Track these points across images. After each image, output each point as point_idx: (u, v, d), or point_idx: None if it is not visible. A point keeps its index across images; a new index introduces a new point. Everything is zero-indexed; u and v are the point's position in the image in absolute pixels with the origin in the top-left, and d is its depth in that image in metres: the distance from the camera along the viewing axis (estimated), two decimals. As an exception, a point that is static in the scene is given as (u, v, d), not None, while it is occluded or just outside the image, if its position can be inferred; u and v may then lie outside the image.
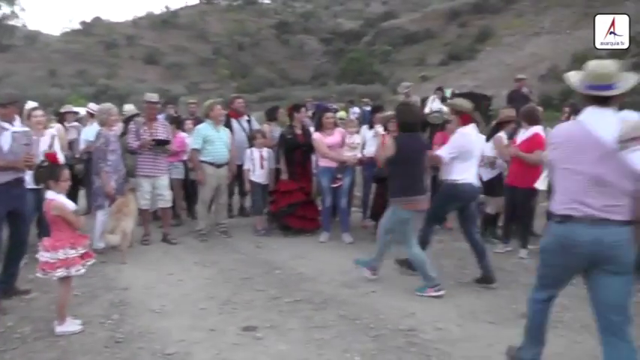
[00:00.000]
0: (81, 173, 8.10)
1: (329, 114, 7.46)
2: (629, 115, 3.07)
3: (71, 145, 8.19)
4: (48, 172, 4.26)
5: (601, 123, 3.03)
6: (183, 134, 8.15)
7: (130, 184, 6.94)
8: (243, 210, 8.90)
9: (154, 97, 7.30)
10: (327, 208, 7.31)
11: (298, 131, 7.52)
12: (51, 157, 4.43)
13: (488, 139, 6.64)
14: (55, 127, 7.20)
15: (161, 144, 6.94)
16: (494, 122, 7.48)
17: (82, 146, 8.09)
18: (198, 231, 7.33)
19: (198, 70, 58.68)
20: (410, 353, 3.89)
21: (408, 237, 5.25)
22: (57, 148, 6.22)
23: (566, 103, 8.95)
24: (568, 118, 7.14)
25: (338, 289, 5.29)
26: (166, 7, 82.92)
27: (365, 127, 7.84)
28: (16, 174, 4.85)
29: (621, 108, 3.17)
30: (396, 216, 5.27)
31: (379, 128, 6.88)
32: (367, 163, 7.44)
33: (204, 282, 5.52)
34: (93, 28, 67.57)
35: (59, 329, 4.18)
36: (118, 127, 7.37)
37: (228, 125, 8.00)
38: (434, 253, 6.74)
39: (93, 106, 8.87)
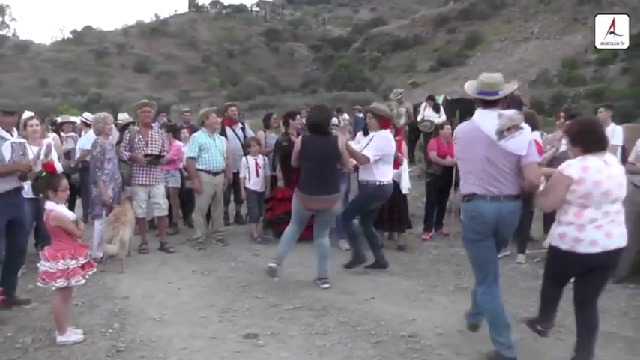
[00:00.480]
0: (77, 183, 8.08)
1: None
2: (506, 112, 3.72)
3: (68, 155, 8.18)
4: (46, 182, 4.26)
5: (487, 121, 3.71)
6: (179, 143, 8.16)
7: (127, 192, 6.93)
8: (239, 218, 8.91)
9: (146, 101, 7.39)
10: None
11: (294, 138, 7.54)
12: (49, 167, 4.42)
13: None
14: (51, 137, 7.19)
15: (154, 160, 6.93)
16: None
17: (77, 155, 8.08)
18: (196, 239, 7.34)
19: (188, 78, 58.74)
20: (412, 359, 3.91)
21: (322, 228, 5.64)
22: (54, 157, 6.20)
23: (560, 108, 9.03)
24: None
25: (337, 295, 5.30)
26: (156, 16, 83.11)
27: (360, 134, 7.87)
28: (16, 183, 4.87)
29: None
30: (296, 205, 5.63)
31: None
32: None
33: (202, 290, 5.52)
34: (83, 37, 67.58)
35: (60, 339, 4.17)
36: (114, 136, 7.38)
37: (222, 133, 8.03)
38: (431, 259, 6.80)
39: (88, 116, 8.87)
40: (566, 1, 45.44)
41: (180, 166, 8.04)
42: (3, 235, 4.76)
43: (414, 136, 12.76)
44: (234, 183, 8.07)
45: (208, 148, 7.21)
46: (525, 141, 3.66)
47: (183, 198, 8.47)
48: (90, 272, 4.30)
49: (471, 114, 3.98)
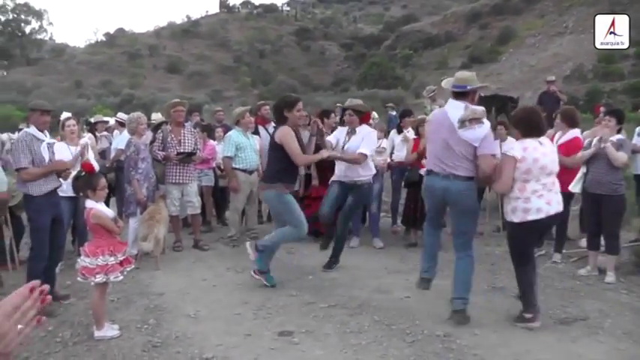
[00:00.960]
0: (112, 181, 8.20)
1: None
2: (473, 106, 4.28)
3: (103, 154, 8.32)
4: (85, 181, 4.35)
5: (454, 110, 4.34)
6: (212, 142, 8.22)
7: (161, 191, 7.02)
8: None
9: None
10: (357, 214, 7.29)
11: (328, 137, 7.50)
12: (87, 166, 4.49)
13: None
14: (87, 137, 7.32)
15: (186, 157, 6.99)
16: None
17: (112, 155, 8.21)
18: (230, 237, 7.38)
19: (220, 78, 59.19)
20: (447, 359, 3.86)
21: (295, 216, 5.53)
22: (91, 157, 6.31)
23: (598, 104, 8.85)
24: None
25: (372, 294, 5.27)
26: (187, 17, 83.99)
27: (393, 132, 7.81)
28: (57, 182, 5.03)
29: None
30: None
31: (409, 132, 6.86)
32: (396, 167, 7.40)
33: (237, 287, 5.54)
34: (116, 39, 68.75)
35: (98, 334, 4.25)
36: (147, 136, 7.47)
37: (255, 132, 8.05)
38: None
39: (122, 116, 9.01)
40: (603, -6, 44.36)
41: (214, 164, 8.10)
42: (48, 233, 4.90)
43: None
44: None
45: (244, 147, 7.24)
46: (482, 134, 4.22)
47: (217, 196, 8.53)
48: (128, 269, 4.37)
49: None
